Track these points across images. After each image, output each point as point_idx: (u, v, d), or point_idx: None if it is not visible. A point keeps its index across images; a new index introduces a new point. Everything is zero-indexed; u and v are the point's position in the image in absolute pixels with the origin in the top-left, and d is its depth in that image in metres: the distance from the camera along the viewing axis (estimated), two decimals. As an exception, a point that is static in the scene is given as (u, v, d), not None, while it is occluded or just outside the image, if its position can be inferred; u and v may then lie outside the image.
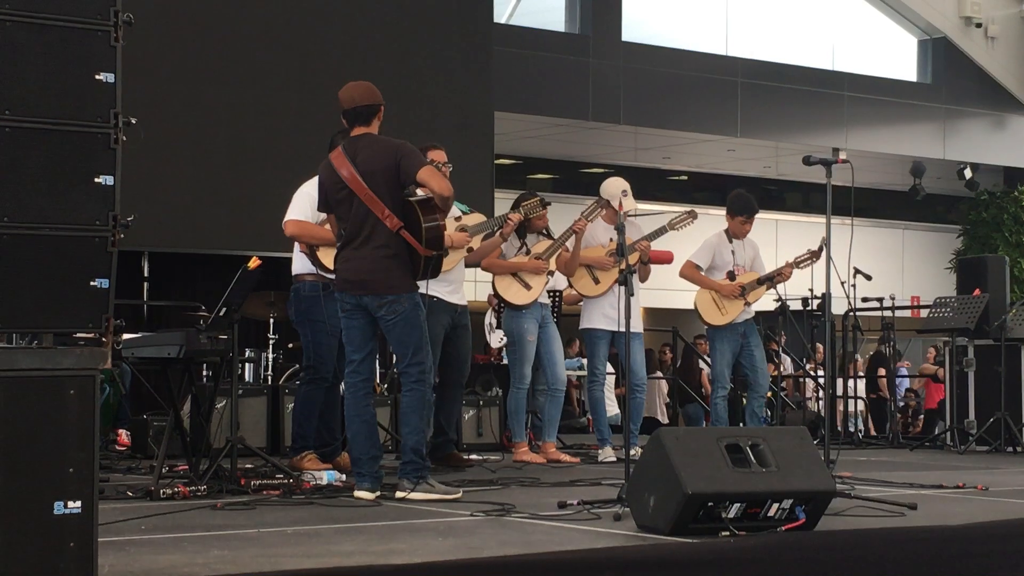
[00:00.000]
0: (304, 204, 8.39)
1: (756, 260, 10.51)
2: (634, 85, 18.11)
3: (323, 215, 8.39)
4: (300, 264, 8.50)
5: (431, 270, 7.09)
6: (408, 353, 7.05)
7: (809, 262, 10.45)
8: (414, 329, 7.03)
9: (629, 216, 10.07)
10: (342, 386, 9.07)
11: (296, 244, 8.49)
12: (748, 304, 10.33)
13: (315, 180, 8.51)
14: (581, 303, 10.30)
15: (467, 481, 7.92)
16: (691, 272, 10.37)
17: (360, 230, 6.99)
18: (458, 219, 9.06)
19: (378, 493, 6.95)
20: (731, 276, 10.33)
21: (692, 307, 10.51)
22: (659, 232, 10.06)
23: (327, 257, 8.32)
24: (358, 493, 6.95)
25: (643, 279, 10.07)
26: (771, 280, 10.37)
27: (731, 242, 10.39)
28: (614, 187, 9.89)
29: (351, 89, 7.18)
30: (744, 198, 10.49)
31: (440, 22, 13.72)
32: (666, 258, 11.17)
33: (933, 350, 18.02)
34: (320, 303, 8.36)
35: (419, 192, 7.07)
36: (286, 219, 8.42)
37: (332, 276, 8.37)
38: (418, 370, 7.04)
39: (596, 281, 10.01)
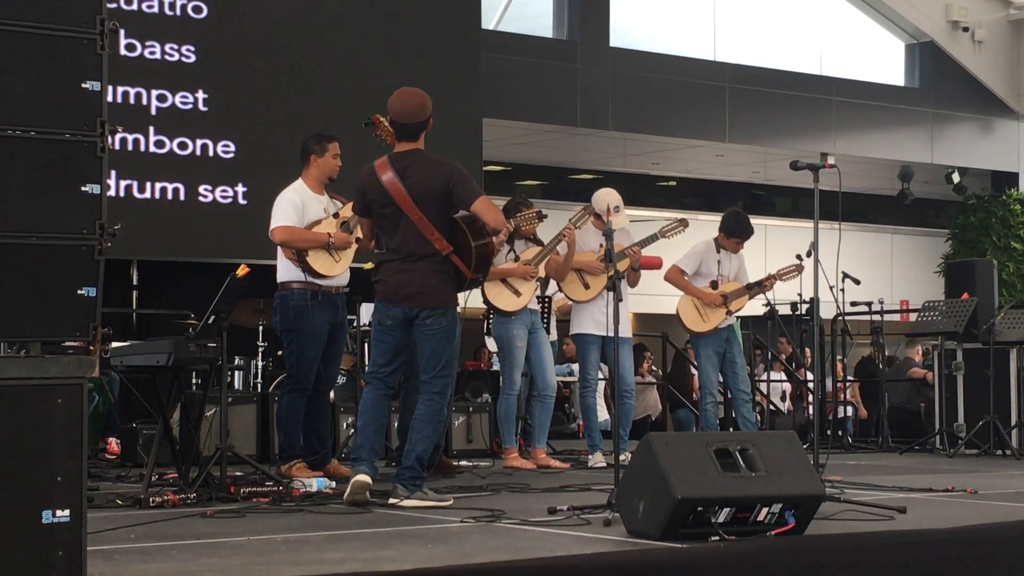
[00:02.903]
0: (289, 210, 8.39)
1: (741, 270, 10.54)
2: (622, 91, 18.11)
3: (310, 219, 8.40)
4: (286, 271, 8.48)
5: (471, 284, 7.21)
6: (438, 366, 7.05)
7: (793, 275, 10.49)
8: (449, 344, 7.06)
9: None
10: (331, 394, 9.12)
11: (280, 251, 8.48)
12: (730, 313, 10.37)
13: (296, 185, 8.55)
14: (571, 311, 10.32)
15: (457, 487, 7.93)
16: (676, 277, 10.39)
17: (408, 246, 7.00)
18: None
19: (369, 493, 6.91)
20: (714, 285, 10.36)
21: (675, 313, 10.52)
22: (650, 239, 10.07)
23: (317, 262, 8.32)
24: (356, 477, 6.88)
25: (632, 284, 10.08)
26: (757, 288, 10.40)
27: (719, 252, 10.42)
28: (604, 202, 9.88)
29: (403, 102, 7.17)
30: (742, 222, 10.48)
31: (428, 28, 13.71)
32: (655, 264, 11.21)
33: (919, 350, 18.01)
34: (308, 313, 8.35)
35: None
36: (273, 226, 8.41)
37: (322, 282, 8.37)
38: (442, 384, 7.07)
39: (586, 286, 10.02)
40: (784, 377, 16.23)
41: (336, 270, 8.38)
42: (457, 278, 7.05)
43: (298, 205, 8.41)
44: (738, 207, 10.91)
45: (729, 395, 11.16)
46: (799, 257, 10.39)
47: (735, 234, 10.42)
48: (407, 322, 7.07)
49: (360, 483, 6.87)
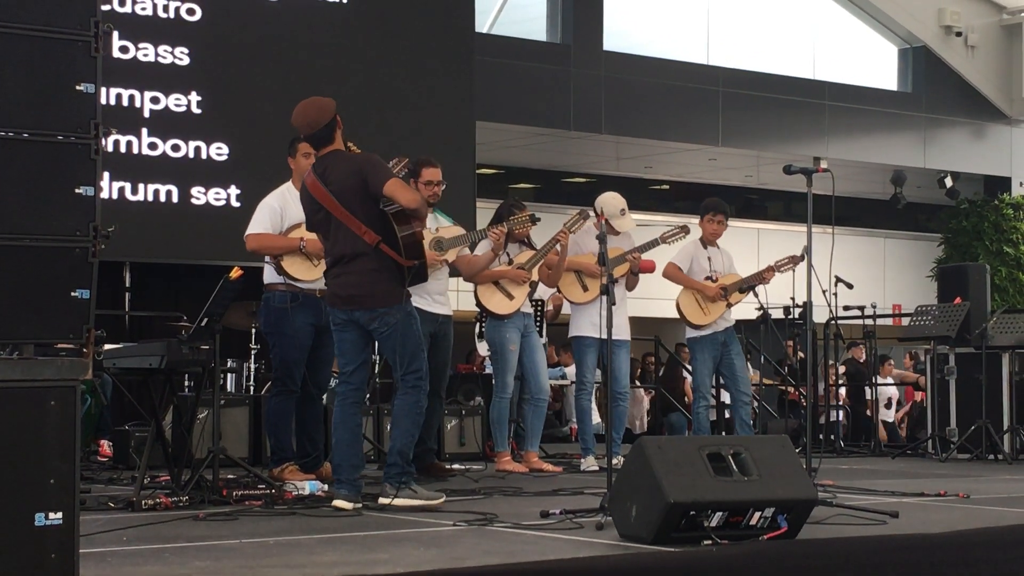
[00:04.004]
0: (264, 216, 8.39)
1: (732, 267, 10.55)
2: (615, 94, 18.13)
3: (292, 221, 8.39)
4: (270, 274, 8.47)
5: (416, 277, 7.11)
6: (404, 363, 7.06)
7: (789, 266, 10.48)
8: (408, 339, 7.04)
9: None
10: (324, 397, 9.10)
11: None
12: (730, 305, 10.35)
13: (278, 192, 8.55)
14: (569, 313, 10.32)
15: (449, 491, 7.91)
16: (675, 272, 10.38)
17: (344, 248, 7.00)
18: (436, 231, 9.07)
19: (359, 504, 6.93)
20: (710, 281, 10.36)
21: (671, 316, 10.51)
22: (651, 245, 10.09)
23: (292, 266, 8.32)
24: (337, 502, 6.93)
25: (631, 288, 10.11)
26: (757, 279, 10.39)
27: (707, 248, 10.42)
28: (612, 206, 9.92)
29: (305, 113, 7.06)
30: (713, 199, 10.59)
31: (421, 32, 13.72)
32: (648, 267, 11.21)
33: (908, 357, 18.04)
34: (288, 315, 8.34)
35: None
36: (247, 233, 8.42)
37: (304, 285, 8.36)
38: (414, 377, 7.06)
39: (584, 288, 10.02)
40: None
41: (315, 274, 8.36)
42: (398, 273, 7.03)
43: (275, 210, 8.40)
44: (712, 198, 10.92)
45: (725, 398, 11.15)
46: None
47: (710, 209, 10.40)
48: (354, 323, 7.08)
49: (339, 509, 6.88)
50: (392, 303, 7.02)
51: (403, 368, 7.06)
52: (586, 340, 10.01)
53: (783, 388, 16.43)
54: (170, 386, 7.62)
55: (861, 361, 16.59)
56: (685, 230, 10.27)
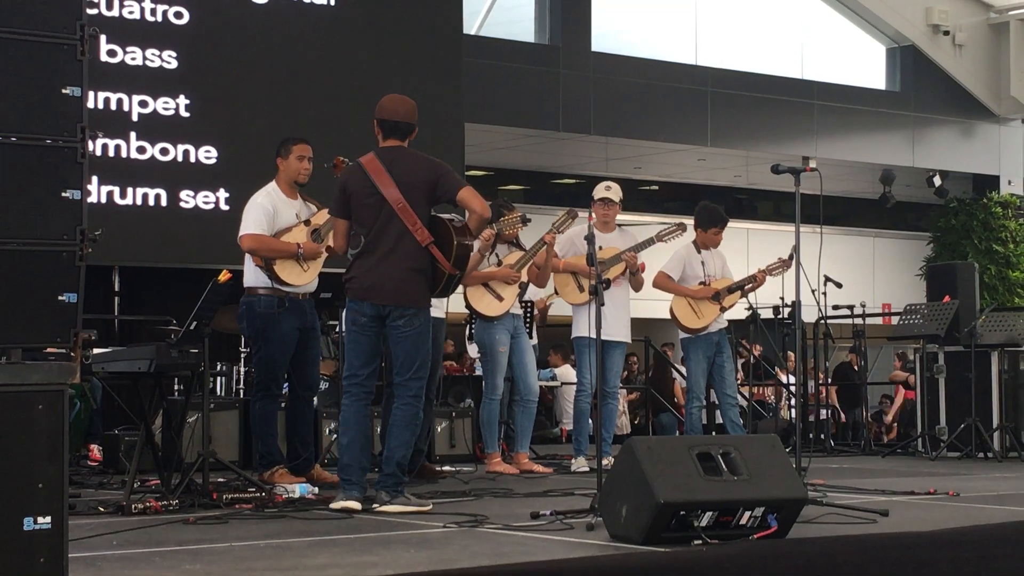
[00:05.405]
0: (259, 216, 8.34)
1: (725, 269, 10.54)
2: (604, 95, 18.14)
3: (281, 225, 8.36)
4: (253, 277, 8.43)
5: (450, 288, 7.14)
6: (413, 367, 7.05)
7: (780, 269, 10.48)
8: (423, 345, 7.06)
9: (623, 226, 10.13)
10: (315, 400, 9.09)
11: (248, 255, 8.44)
12: (723, 309, 10.34)
13: (265, 192, 8.49)
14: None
15: (440, 492, 7.92)
16: (664, 282, 10.38)
17: (386, 239, 6.99)
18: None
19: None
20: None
21: (660, 316, 10.51)
22: (647, 243, 10.09)
23: (284, 271, 8.28)
24: (345, 503, 6.87)
25: (636, 288, 10.13)
26: (744, 286, 10.39)
27: (700, 253, 10.41)
28: (601, 184, 10.04)
29: (397, 103, 7.27)
30: (713, 210, 10.51)
31: (409, 34, 13.71)
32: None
33: (896, 359, 18.06)
34: (276, 320, 8.31)
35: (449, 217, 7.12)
36: (242, 233, 8.37)
37: (289, 290, 8.33)
38: (418, 385, 7.06)
39: (581, 289, 10.02)
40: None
41: (304, 279, 8.35)
42: (433, 278, 7.03)
43: (269, 211, 8.37)
44: (708, 203, 10.89)
45: (716, 399, 11.15)
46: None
47: (712, 223, 10.37)
48: (379, 320, 7.05)
49: (351, 510, 6.85)
50: (422, 306, 7.04)
51: (409, 373, 7.03)
52: (585, 341, 9.98)
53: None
54: (160, 390, 7.62)
55: (855, 369, 16.61)
56: (682, 228, 10.26)
